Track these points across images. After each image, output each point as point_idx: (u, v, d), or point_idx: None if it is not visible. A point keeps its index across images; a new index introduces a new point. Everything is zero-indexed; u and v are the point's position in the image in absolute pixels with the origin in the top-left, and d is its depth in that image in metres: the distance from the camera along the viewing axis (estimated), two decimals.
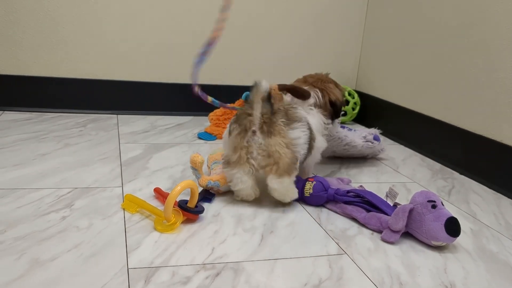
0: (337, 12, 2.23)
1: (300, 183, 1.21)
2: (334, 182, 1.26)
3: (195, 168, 1.17)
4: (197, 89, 1.33)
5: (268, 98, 1.09)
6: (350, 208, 1.15)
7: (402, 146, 1.92)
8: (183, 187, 1.01)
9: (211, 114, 1.86)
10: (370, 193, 1.16)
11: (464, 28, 1.63)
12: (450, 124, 1.69)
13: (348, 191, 1.18)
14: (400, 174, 1.55)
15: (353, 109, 2.22)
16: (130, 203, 1.10)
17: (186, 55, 2.07)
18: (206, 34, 2.01)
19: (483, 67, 1.55)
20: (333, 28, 2.26)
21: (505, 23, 1.46)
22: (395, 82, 2.04)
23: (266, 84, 1.08)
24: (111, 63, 2.00)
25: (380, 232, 1.08)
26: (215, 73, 2.13)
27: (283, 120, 1.11)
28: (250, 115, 1.09)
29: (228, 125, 1.15)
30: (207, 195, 1.20)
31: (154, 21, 2.00)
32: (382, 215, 1.09)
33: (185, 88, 2.10)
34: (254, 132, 1.09)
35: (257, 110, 1.08)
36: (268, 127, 1.09)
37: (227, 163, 1.14)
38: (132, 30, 1.98)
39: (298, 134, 1.13)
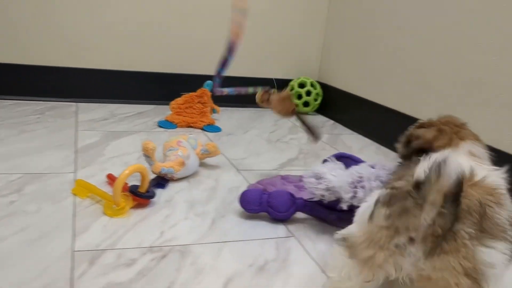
0: (300, 5, 2.25)
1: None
2: (277, 184, 1.22)
3: (147, 155, 1.17)
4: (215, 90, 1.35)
5: (456, 197, 0.62)
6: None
7: (360, 136, 1.95)
8: (132, 171, 1.01)
9: (172, 102, 1.86)
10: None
11: (420, 23, 1.67)
12: (405, 113, 1.73)
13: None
14: None
15: (315, 100, 2.25)
16: (81, 188, 1.09)
17: (150, 43, 2.06)
18: (168, 22, 2.02)
19: (436, 60, 1.59)
20: (297, 21, 2.27)
21: (458, 19, 1.50)
22: (355, 74, 2.07)
23: (457, 169, 0.62)
24: (71, 51, 1.97)
25: None
26: (178, 62, 2.12)
27: (471, 230, 0.64)
28: (417, 205, 0.64)
29: (372, 200, 0.73)
30: (161, 181, 1.20)
31: (115, 8, 1.98)
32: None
33: (148, 77, 2.09)
34: (412, 240, 0.65)
35: (430, 213, 0.63)
36: (438, 241, 0.64)
37: (351, 246, 0.72)
38: (92, 16, 1.96)
39: (496, 258, 0.64)
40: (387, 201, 0.68)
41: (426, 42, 1.65)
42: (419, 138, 0.88)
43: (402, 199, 0.66)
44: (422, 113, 1.66)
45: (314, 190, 1.00)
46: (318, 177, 1.00)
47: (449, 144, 0.84)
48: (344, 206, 0.98)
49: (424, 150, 0.83)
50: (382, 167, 1.05)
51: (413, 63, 1.71)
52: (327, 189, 0.98)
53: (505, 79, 1.34)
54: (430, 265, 0.64)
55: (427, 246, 0.64)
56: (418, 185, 0.64)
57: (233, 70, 2.20)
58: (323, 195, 0.99)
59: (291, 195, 1.07)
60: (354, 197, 0.98)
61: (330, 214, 1.05)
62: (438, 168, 0.62)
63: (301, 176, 1.13)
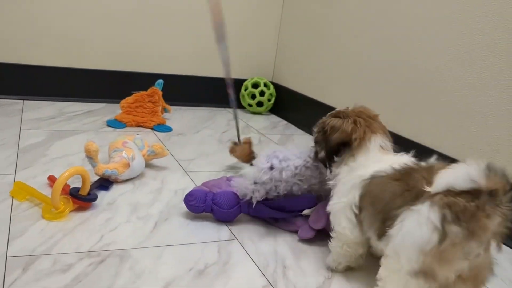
0: (254, 5, 2.26)
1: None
2: (223, 185, 1.19)
3: (90, 156, 1.15)
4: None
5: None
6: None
7: (311, 137, 1.97)
8: (71, 174, 0.99)
9: (122, 101, 1.83)
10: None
11: (367, 26, 1.71)
12: None
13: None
14: None
15: (269, 100, 2.26)
16: (20, 191, 1.06)
17: (100, 40, 2.01)
18: (118, 20, 1.99)
19: (384, 62, 1.64)
20: (251, 22, 2.28)
21: (404, 21, 1.54)
22: (308, 75, 2.10)
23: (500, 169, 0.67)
24: (19, 47, 1.90)
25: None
26: (129, 60, 2.09)
27: None
28: (487, 216, 0.67)
29: (345, 199, 0.87)
30: (104, 183, 1.18)
31: (64, 3, 1.92)
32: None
33: (99, 75, 2.05)
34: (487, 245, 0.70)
35: (497, 218, 0.68)
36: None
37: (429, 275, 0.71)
38: (40, 12, 1.90)
39: None
40: (455, 218, 0.68)
41: (373, 46, 1.68)
42: (338, 130, 0.93)
43: (472, 214, 0.67)
44: None
45: (243, 189, 1.06)
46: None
47: (363, 137, 0.90)
48: (265, 177, 1.05)
49: (344, 143, 0.92)
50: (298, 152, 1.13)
51: (362, 65, 1.75)
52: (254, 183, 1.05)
53: (448, 83, 1.39)
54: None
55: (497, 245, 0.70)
56: (491, 194, 0.67)
57: (186, 69, 2.20)
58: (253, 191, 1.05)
59: (237, 195, 1.07)
60: (271, 167, 1.05)
61: (277, 213, 1.06)
62: (495, 173, 0.66)
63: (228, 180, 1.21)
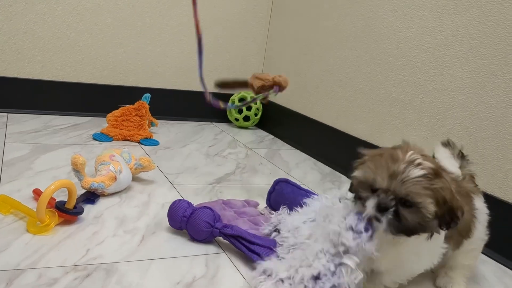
0: (242, 19, 2.28)
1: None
2: (216, 208, 1.15)
3: (77, 169, 1.14)
4: (209, 98, 1.25)
5: None
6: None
7: (298, 151, 1.99)
8: (58, 187, 0.98)
9: (109, 115, 1.82)
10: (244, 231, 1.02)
11: (352, 41, 1.74)
12: (340, 130, 1.78)
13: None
14: (291, 176, 1.61)
15: (256, 114, 2.27)
16: (4, 204, 1.04)
17: (87, 53, 2.01)
18: (105, 34, 2.00)
19: (367, 78, 1.66)
20: (239, 36, 2.30)
21: (387, 38, 1.57)
22: (295, 90, 2.12)
23: None
24: (4, 59, 1.89)
25: None
26: (116, 74, 2.08)
27: None
28: None
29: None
30: (91, 196, 1.17)
31: (51, 17, 1.92)
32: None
33: (85, 88, 2.04)
34: None
35: None
36: None
37: None
38: (27, 24, 1.89)
39: None
40: None
41: (359, 62, 1.71)
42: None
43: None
44: (356, 130, 1.71)
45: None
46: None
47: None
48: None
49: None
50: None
51: (348, 81, 1.77)
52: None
53: (431, 98, 1.41)
54: None
55: None
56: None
57: (173, 83, 2.20)
58: None
59: (209, 224, 1.01)
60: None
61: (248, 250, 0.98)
62: None
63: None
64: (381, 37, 1.61)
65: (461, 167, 0.96)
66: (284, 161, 1.81)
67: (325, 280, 0.77)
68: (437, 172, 0.75)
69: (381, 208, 0.75)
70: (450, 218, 0.76)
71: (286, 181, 1.22)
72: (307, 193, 1.17)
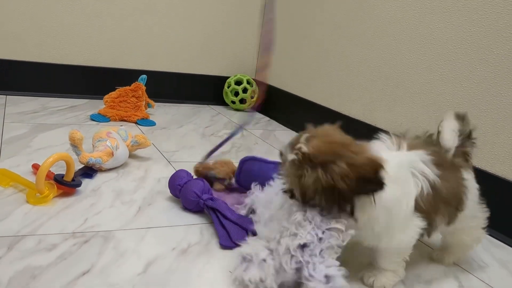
0: (238, 5, 2.29)
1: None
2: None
3: (75, 144, 1.16)
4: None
5: None
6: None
7: (293, 132, 2.01)
8: (56, 159, 1.00)
9: (106, 96, 1.84)
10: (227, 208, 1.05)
11: (345, 22, 1.76)
12: (334, 110, 1.81)
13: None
14: None
15: (252, 97, 2.29)
16: (3, 177, 1.07)
17: (84, 36, 2.03)
18: (102, 17, 2.00)
19: (361, 58, 1.68)
20: (233, 19, 2.31)
21: (380, 18, 1.59)
22: (289, 72, 2.14)
23: None
24: (2, 42, 1.90)
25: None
26: (113, 56, 2.10)
27: None
28: None
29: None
30: (88, 171, 1.19)
31: (47, 1, 1.93)
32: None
33: (82, 71, 2.06)
34: None
35: None
36: None
37: None
38: (26, 7, 1.91)
39: None
40: None
41: (352, 42, 1.73)
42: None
43: None
44: (349, 109, 1.74)
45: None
46: None
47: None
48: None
49: None
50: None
51: (341, 62, 1.79)
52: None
53: (421, 77, 1.44)
54: None
55: None
56: None
57: (170, 66, 2.22)
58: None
59: (197, 194, 1.04)
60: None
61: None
62: None
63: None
64: (374, 17, 1.63)
65: (461, 145, 0.93)
66: (279, 141, 1.83)
67: (313, 247, 0.76)
68: (312, 159, 0.74)
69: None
70: (363, 186, 0.74)
71: (252, 159, 1.17)
72: (276, 165, 1.09)
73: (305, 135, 0.79)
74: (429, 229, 0.85)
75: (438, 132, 0.93)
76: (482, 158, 1.24)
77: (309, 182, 0.74)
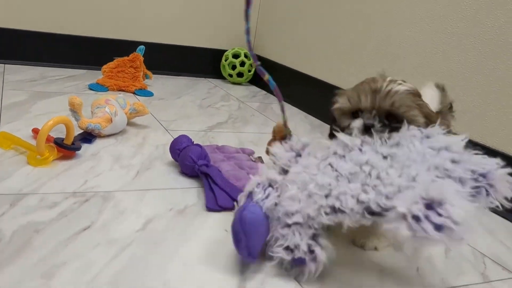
0: None
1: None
2: (208, 150, 1.16)
3: (74, 110, 1.18)
4: (256, 63, 1.13)
5: None
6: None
7: (290, 105, 2.03)
8: (56, 122, 1.02)
9: (104, 66, 1.86)
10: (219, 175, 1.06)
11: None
12: (330, 84, 1.83)
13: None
14: None
15: (249, 70, 2.30)
16: (5, 140, 1.09)
17: (83, 6, 2.02)
18: None
19: (357, 33, 1.69)
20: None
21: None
22: (287, 46, 2.15)
23: None
24: (1, 10, 1.91)
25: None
26: (111, 27, 2.10)
27: None
28: None
29: None
30: (87, 136, 1.22)
31: None
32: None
33: (81, 41, 2.06)
34: None
35: None
36: None
37: None
38: None
39: None
40: None
41: (350, 17, 1.74)
42: None
43: None
44: (346, 83, 1.76)
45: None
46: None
47: None
48: None
49: None
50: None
51: (339, 37, 1.80)
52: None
53: (416, 48, 1.45)
54: None
55: None
56: None
57: (168, 38, 2.22)
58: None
59: (193, 159, 1.06)
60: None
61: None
62: None
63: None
64: None
65: (442, 118, 0.96)
66: (276, 114, 1.85)
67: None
68: (419, 93, 0.79)
69: (367, 128, 0.76)
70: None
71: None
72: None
73: (387, 78, 0.80)
74: None
75: None
76: (474, 130, 1.27)
77: (428, 110, 0.77)
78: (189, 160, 1.06)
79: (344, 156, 0.75)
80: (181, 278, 0.72)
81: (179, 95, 1.91)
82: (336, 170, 0.73)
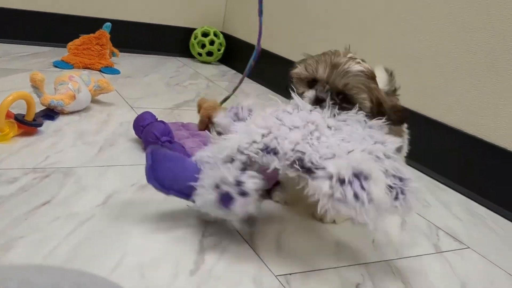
0: None
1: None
2: (173, 128, 1.16)
3: (36, 86, 1.16)
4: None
5: None
6: None
7: (259, 85, 2.04)
8: (16, 97, 1.01)
9: (69, 43, 1.82)
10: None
11: None
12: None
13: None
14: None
15: (219, 50, 2.30)
16: None
17: None
18: None
19: (323, 9, 1.71)
20: None
21: None
22: (257, 26, 2.14)
23: None
24: None
25: None
26: (77, 4, 2.06)
27: None
28: None
29: None
30: (50, 113, 1.20)
31: None
32: None
33: (46, 17, 2.02)
34: None
35: None
36: None
37: None
38: None
39: None
40: None
41: None
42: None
43: None
44: None
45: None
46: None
47: None
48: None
49: None
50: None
51: (306, 14, 1.81)
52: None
53: (384, 26, 1.48)
54: None
55: None
56: None
57: (135, 15, 2.19)
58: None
59: (156, 136, 1.05)
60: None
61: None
62: None
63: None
64: None
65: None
66: (245, 93, 1.86)
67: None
68: (374, 75, 0.82)
69: (318, 101, 0.80)
70: (397, 117, 0.81)
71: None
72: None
73: (348, 54, 0.82)
74: None
75: None
76: (434, 108, 1.30)
77: (379, 94, 0.79)
78: (152, 136, 1.06)
79: (291, 114, 0.77)
80: (141, 250, 0.73)
81: (146, 73, 1.90)
82: (281, 120, 0.75)
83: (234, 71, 2.25)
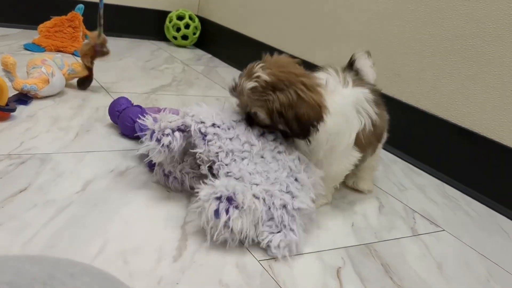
0: None
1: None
2: (150, 112, 1.10)
3: (7, 70, 1.13)
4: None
5: None
6: None
7: (234, 69, 2.03)
8: None
9: (41, 25, 1.77)
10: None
11: None
12: (274, 47, 1.84)
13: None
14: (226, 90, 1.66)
15: (194, 33, 2.27)
16: None
17: None
18: None
19: None
20: None
21: None
22: (233, 9, 2.12)
23: None
24: None
25: None
26: None
27: None
28: None
29: None
30: (23, 97, 1.17)
31: None
32: None
33: None
34: None
35: None
36: None
37: None
38: None
39: None
40: None
41: None
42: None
43: None
44: (289, 47, 1.77)
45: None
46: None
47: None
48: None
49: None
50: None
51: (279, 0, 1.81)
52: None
53: (357, 13, 1.48)
54: None
55: None
56: None
57: None
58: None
59: (133, 120, 1.04)
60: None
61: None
62: None
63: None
64: None
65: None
66: (220, 77, 1.85)
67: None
68: (273, 86, 0.80)
69: (248, 122, 0.87)
70: (300, 128, 0.81)
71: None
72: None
73: (260, 64, 0.83)
74: (361, 160, 0.93)
75: (349, 66, 0.99)
76: (409, 94, 1.32)
77: (277, 105, 0.80)
78: (129, 120, 1.05)
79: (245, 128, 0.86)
80: (122, 236, 0.72)
81: (120, 56, 1.86)
82: (234, 128, 0.85)
83: (210, 55, 2.23)
